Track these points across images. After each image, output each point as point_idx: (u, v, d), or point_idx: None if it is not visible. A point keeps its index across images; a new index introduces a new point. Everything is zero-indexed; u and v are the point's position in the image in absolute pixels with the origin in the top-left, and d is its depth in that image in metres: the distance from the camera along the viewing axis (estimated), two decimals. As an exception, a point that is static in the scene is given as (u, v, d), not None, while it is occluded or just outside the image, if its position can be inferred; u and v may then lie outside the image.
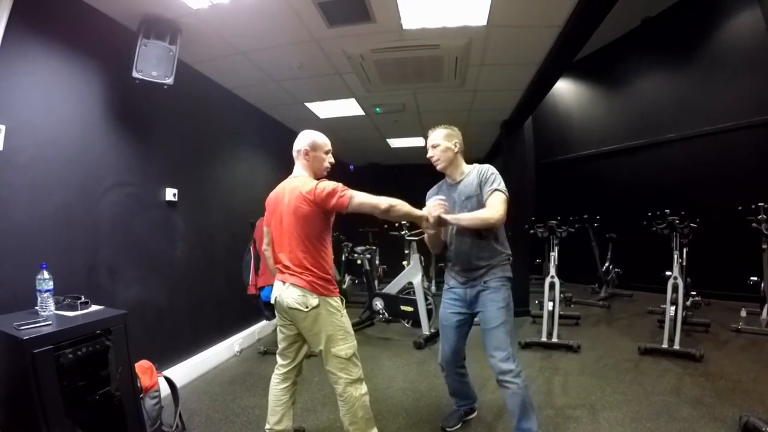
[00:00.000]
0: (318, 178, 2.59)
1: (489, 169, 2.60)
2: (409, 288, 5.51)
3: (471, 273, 2.61)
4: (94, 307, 2.43)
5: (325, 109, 5.88)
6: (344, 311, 2.48)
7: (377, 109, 5.89)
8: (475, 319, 2.68)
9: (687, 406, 3.08)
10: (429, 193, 2.83)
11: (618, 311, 6.27)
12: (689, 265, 4.85)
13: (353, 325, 5.63)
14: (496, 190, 2.51)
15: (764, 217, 4.89)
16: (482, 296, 2.57)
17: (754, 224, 4.96)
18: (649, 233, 4.74)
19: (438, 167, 2.74)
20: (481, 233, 2.56)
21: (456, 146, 2.68)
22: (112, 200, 3.24)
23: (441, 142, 2.67)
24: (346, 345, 2.39)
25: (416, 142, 7.73)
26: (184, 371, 3.88)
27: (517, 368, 2.45)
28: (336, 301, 2.42)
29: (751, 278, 5.12)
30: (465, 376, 2.94)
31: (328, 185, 2.36)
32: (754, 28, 5.85)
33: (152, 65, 3.16)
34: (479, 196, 2.56)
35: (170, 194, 3.85)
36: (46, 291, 2.27)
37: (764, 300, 4.98)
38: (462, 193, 2.63)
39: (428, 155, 2.74)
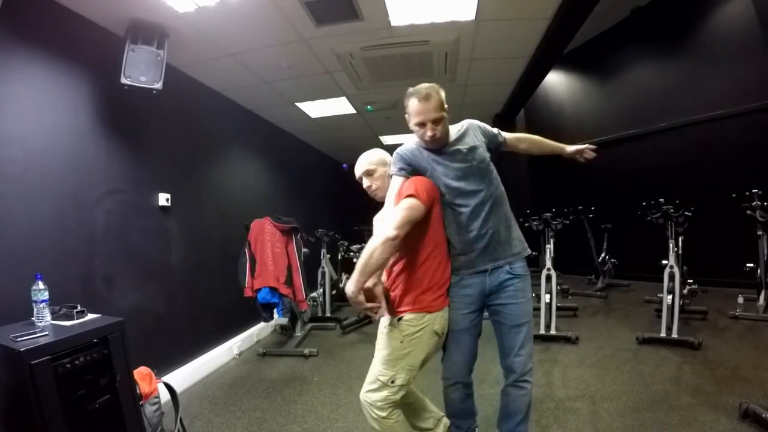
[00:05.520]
0: None
1: (474, 121, 2.28)
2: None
3: (496, 257, 2.17)
4: (90, 316, 2.41)
5: (316, 108, 5.88)
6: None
7: (369, 107, 5.88)
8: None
9: (687, 395, 3.10)
10: (404, 157, 2.22)
11: (615, 301, 6.29)
12: (685, 253, 4.86)
13: (351, 324, 5.61)
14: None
15: (758, 203, 4.90)
16: (509, 285, 2.17)
17: (748, 211, 4.97)
18: (644, 223, 4.75)
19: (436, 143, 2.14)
20: (508, 208, 2.24)
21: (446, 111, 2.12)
22: (105, 207, 3.23)
23: (438, 113, 2.05)
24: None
25: (409, 138, 7.70)
26: (184, 376, 3.88)
27: None
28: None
29: (747, 265, 5.13)
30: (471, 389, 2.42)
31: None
32: (743, 16, 5.86)
33: (140, 70, 3.14)
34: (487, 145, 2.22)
35: (163, 199, 3.83)
36: (42, 301, 2.26)
37: (761, 286, 5.00)
38: (471, 153, 2.16)
39: (426, 135, 2.08)
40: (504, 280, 2.15)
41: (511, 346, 2.16)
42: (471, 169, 2.14)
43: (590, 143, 2.64)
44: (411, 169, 2.16)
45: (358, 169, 2.31)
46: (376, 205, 2.46)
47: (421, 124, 2.07)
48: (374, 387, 2.11)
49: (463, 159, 2.14)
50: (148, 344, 3.50)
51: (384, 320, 2.16)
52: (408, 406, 2.35)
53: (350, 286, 1.89)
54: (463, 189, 2.12)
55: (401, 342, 2.09)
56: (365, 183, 2.30)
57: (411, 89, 2.10)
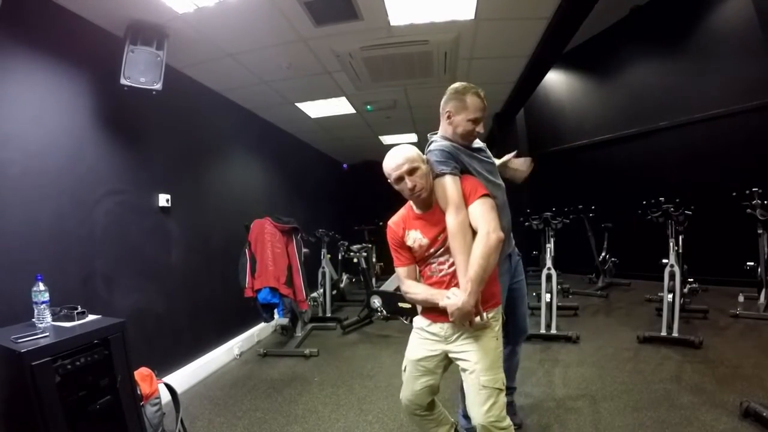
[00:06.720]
0: None
1: None
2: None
3: (511, 243, 2.47)
4: (91, 317, 2.41)
5: (316, 108, 5.88)
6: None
7: (369, 107, 5.87)
8: None
9: (687, 394, 3.09)
10: (451, 154, 2.08)
11: (616, 301, 6.28)
12: (685, 252, 4.85)
13: (351, 324, 5.61)
14: None
15: (759, 202, 4.89)
16: (519, 265, 2.56)
17: (748, 210, 4.96)
18: (645, 222, 4.75)
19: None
20: None
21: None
22: (105, 208, 3.23)
23: (482, 113, 2.15)
24: None
25: (409, 138, 7.72)
26: (185, 376, 3.88)
27: None
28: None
29: (748, 263, 5.13)
30: None
31: None
32: (743, 14, 5.85)
33: (140, 71, 3.14)
34: None
35: (163, 200, 3.83)
36: (43, 302, 2.25)
37: (761, 285, 4.99)
38: (488, 152, 2.37)
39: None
40: (517, 261, 2.53)
41: (524, 312, 2.62)
42: (493, 166, 2.34)
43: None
44: (459, 167, 2.08)
45: (399, 167, 1.94)
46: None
47: (476, 120, 2.12)
48: (495, 399, 1.89)
49: (487, 156, 2.32)
50: (148, 345, 3.50)
51: (435, 333, 2.06)
52: (433, 418, 2.27)
53: (470, 299, 1.79)
54: (496, 183, 2.28)
55: (497, 339, 2.00)
56: (408, 183, 1.93)
57: (460, 86, 2.15)
